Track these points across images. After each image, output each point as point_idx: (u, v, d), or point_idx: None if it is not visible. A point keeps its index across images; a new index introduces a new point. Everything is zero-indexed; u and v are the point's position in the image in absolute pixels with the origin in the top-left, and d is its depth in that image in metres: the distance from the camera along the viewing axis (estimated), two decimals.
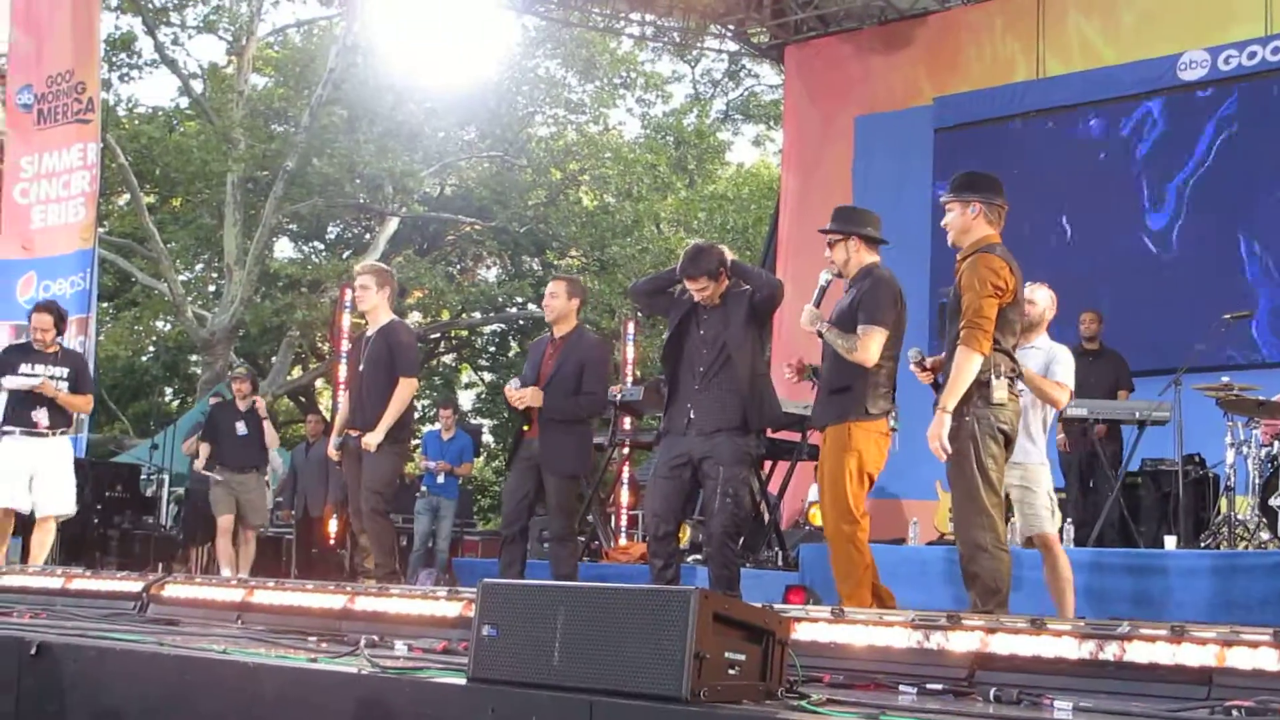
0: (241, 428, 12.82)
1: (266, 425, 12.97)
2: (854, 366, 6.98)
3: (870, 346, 6.92)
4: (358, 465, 8.88)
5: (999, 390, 6.45)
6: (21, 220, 13.88)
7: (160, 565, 13.27)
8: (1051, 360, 7.70)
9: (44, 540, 10.01)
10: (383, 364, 8.91)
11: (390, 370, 8.90)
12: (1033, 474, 7.71)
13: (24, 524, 10.23)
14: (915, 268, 13.96)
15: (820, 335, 7.14)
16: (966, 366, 6.36)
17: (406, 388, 8.98)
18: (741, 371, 7.38)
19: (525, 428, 8.62)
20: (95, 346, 14.58)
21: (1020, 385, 6.71)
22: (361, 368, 9.01)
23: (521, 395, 8.45)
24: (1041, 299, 7.82)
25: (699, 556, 10.83)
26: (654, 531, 7.64)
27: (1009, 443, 6.59)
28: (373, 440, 8.72)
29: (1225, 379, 9.81)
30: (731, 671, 3.97)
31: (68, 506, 10.14)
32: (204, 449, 13.06)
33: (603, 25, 20.72)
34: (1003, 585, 6.36)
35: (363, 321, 9.65)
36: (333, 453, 9.21)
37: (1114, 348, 11.89)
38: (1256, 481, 9.44)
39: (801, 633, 4.91)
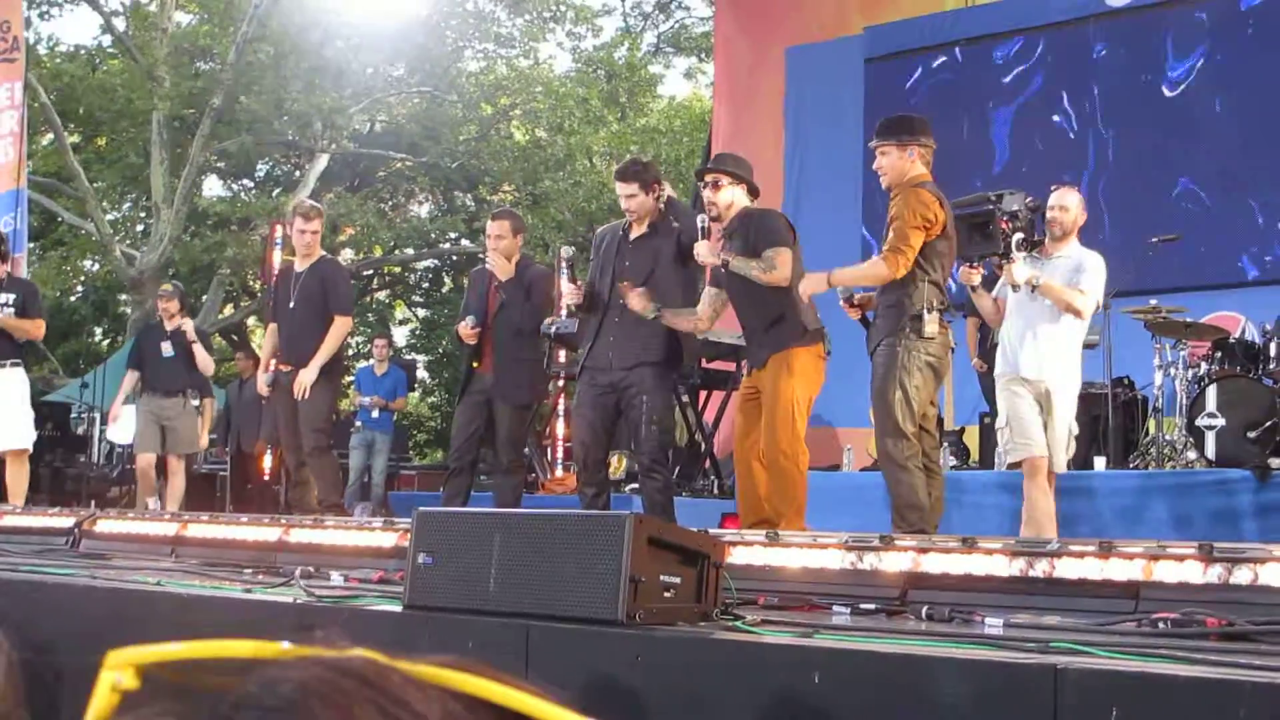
0: (167, 348, 11.64)
1: (197, 349, 11.63)
2: (776, 296, 7.02)
3: (784, 265, 6.97)
4: (289, 400, 8.85)
5: (930, 324, 6.58)
6: None
7: (93, 503, 13.14)
8: (1078, 267, 7.32)
9: (18, 477, 9.91)
10: (316, 300, 8.88)
11: (323, 307, 8.87)
12: (1048, 395, 7.23)
13: None
14: (847, 198, 14.02)
15: (725, 267, 7.12)
16: (873, 272, 6.75)
17: (342, 326, 8.95)
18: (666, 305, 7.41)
19: (475, 364, 8.59)
20: None
21: (950, 318, 6.84)
22: (292, 304, 8.94)
23: (473, 333, 8.44)
24: (1072, 204, 7.51)
25: (635, 486, 10.89)
26: (583, 460, 7.69)
27: (938, 375, 6.72)
28: (308, 378, 8.71)
29: (1153, 302, 9.93)
30: (667, 594, 4.00)
31: (21, 440, 9.97)
32: (129, 378, 12.06)
33: None
34: (921, 500, 6.49)
35: (291, 257, 9.58)
36: (264, 389, 9.16)
37: None
38: (1184, 402, 9.57)
39: (737, 556, 4.95)
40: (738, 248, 7.18)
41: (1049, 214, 7.42)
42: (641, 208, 7.54)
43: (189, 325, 11.64)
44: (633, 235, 7.59)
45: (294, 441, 8.96)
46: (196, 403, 11.88)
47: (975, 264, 7.22)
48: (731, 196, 7.34)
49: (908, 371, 6.58)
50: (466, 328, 8.51)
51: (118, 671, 0.66)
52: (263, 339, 11.22)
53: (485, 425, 8.59)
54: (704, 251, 7.16)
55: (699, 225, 7.30)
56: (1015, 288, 7.24)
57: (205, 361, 11.73)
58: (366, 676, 0.62)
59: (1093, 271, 7.28)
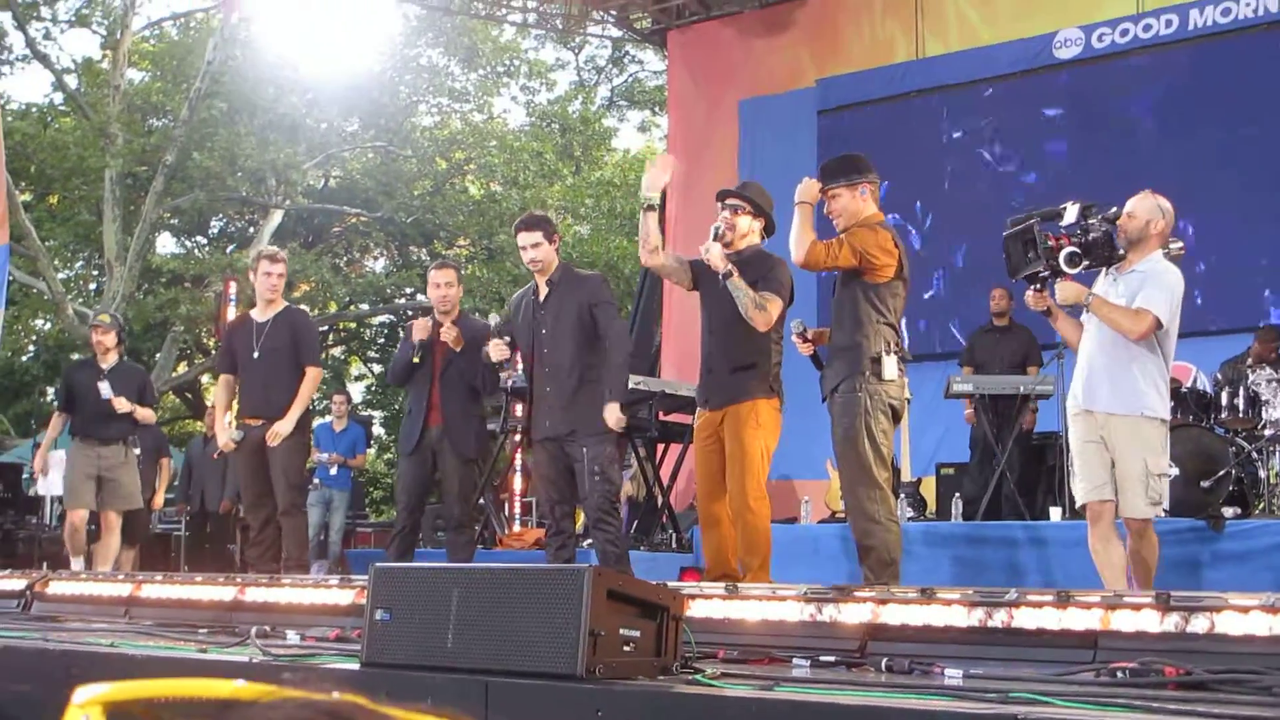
0: (105, 390, 10.18)
1: (122, 406, 10.21)
2: (755, 342, 7.06)
3: (771, 312, 6.99)
4: (255, 457, 8.63)
5: (889, 367, 6.60)
6: None
7: (45, 565, 12.96)
8: (1145, 282, 6.51)
9: None
10: (284, 351, 8.69)
11: (294, 357, 8.70)
12: (1111, 429, 6.59)
13: None
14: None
15: (726, 279, 7.04)
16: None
17: (314, 376, 8.81)
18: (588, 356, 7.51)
19: (416, 360, 8.42)
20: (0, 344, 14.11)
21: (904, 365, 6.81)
22: (257, 354, 8.71)
23: (451, 329, 8.34)
24: (1142, 210, 6.62)
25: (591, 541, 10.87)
26: (550, 516, 7.70)
27: (896, 418, 6.74)
28: (284, 429, 8.50)
29: None
30: (626, 648, 3.98)
31: None
32: (56, 421, 10.64)
33: (484, 13, 20.63)
34: (895, 556, 6.49)
35: (245, 309, 9.48)
36: (228, 444, 8.80)
37: (1023, 324, 12.11)
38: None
39: (696, 609, 4.94)
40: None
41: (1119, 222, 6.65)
42: (546, 257, 7.60)
43: (121, 403, 10.20)
44: (542, 295, 7.64)
45: (258, 499, 8.70)
46: (138, 450, 10.63)
47: (1039, 287, 6.67)
48: (749, 227, 7.37)
49: (873, 416, 6.58)
50: (420, 322, 8.43)
51: (85, 710, 0.66)
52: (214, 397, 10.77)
53: (432, 480, 8.58)
54: (715, 254, 7.07)
55: (713, 231, 7.23)
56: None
57: (144, 414, 10.44)
58: (348, 717, 0.62)
59: (1156, 287, 6.45)
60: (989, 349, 11.91)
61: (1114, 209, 6.62)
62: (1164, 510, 6.57)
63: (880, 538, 6.50)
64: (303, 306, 11.65)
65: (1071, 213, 6.65)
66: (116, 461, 10.30)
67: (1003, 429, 10.99)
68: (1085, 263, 6.54)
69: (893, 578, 6.41)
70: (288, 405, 8.59)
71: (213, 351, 27.07)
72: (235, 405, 9.42)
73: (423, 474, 8.50)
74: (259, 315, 8.90)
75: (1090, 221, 6.55)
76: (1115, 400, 6.53)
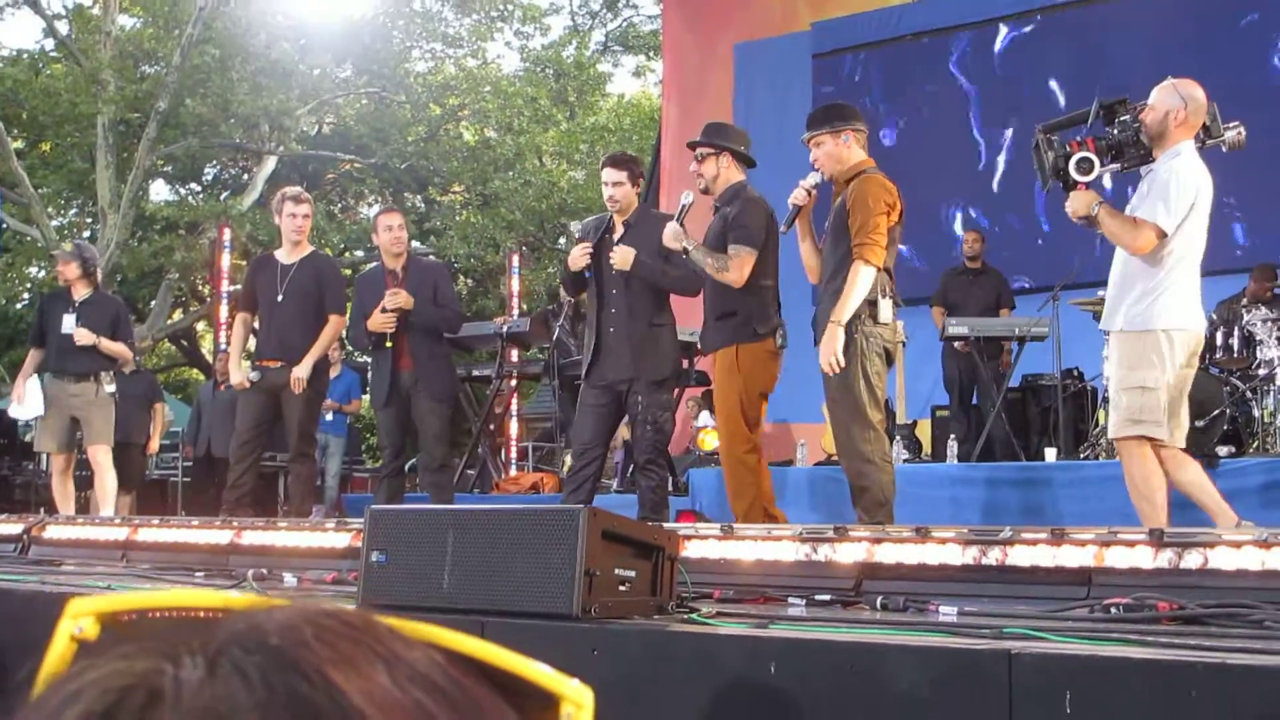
0: (69, 323, 9.61)
1: (101, 342, 9.66)
2: (732, 290, 7.04)
3: (741, 268, 6.99)
4: (266, 398, 8.53)
5: (884, 310, 6.58)
6: None
7: (43, 511, 12.95)
8: (1152, 186, 6.04)
9: None
10: (310, 296, 8.57)
11: (318, 302, 8.59)
12: (1111, 348, 6.35)
13: None
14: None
15: (686, 253, 7.12)
16: (860, 280, 6.47)
17: (337, 324, 8.73)
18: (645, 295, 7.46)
19: (389, 344, 8.45)
20: None
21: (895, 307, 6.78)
22: (280, 298, 8.56)
23: (395, 300, 8.33)
24: (1161, 100, 6.08)
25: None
26: (577, 455, 7.68)
27: (890, 360, 6.73)
28: (303, 373, 8.38)
29: (1101, 293, 9.98)
30: (622, 588, 3.99)
31: None
32: (32, 357, 10.13)
33: None
34: (889, 496, 6.50)
35: (243, 262, 9.43)
36: (243, 381, 8.57)
37: (995, 266, 12.14)
38: None
39: (692, 550, 4.95)
40: (716, 226, 7.23)
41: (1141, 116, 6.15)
42: (625, 197, 7.54)
43: (82, 334, 9.62)
44: (617, 235, 7.57)
45: (251, 438, 8.57)
46: (112, 388, 9.86)
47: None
48: (716, 168, 7.35)
49: (867, 358, 6.56)
50: (389, 302, 8.39)
51: (78, 621, 0.65)
52: (211, 344, 10.69)
53: (411, 425, 8.60)
54: (669, 235, 7.12)
55: (682, 202, 7.29)
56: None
57: (116, 350, 9.80)
58: (353, 620, 0.62)
59: (1158, 191, 5.96)
60: (961, 290, 11.96)
61: (1143, 103, 6.16)
62: (1158, 432, 5.97)
63: (874, 478, 6.51)
64: (325, 251, 11.52)
65: (1094, 112, 6.23)
66: (88, 399, 9.73)
67: (982, 371, 11.04)
68: (1111, 166, 6.16)
69: (887, 518, 6.42)
70: (307, 349, 8.48)
71: (206, 299, 27.01)
72: (251, 346, 9.35)
73: (401, 418, 8.52)
74: (285, 257, 8.72)
75: (1123, 118, 6.14)
76: (1116, 317, 6.17)
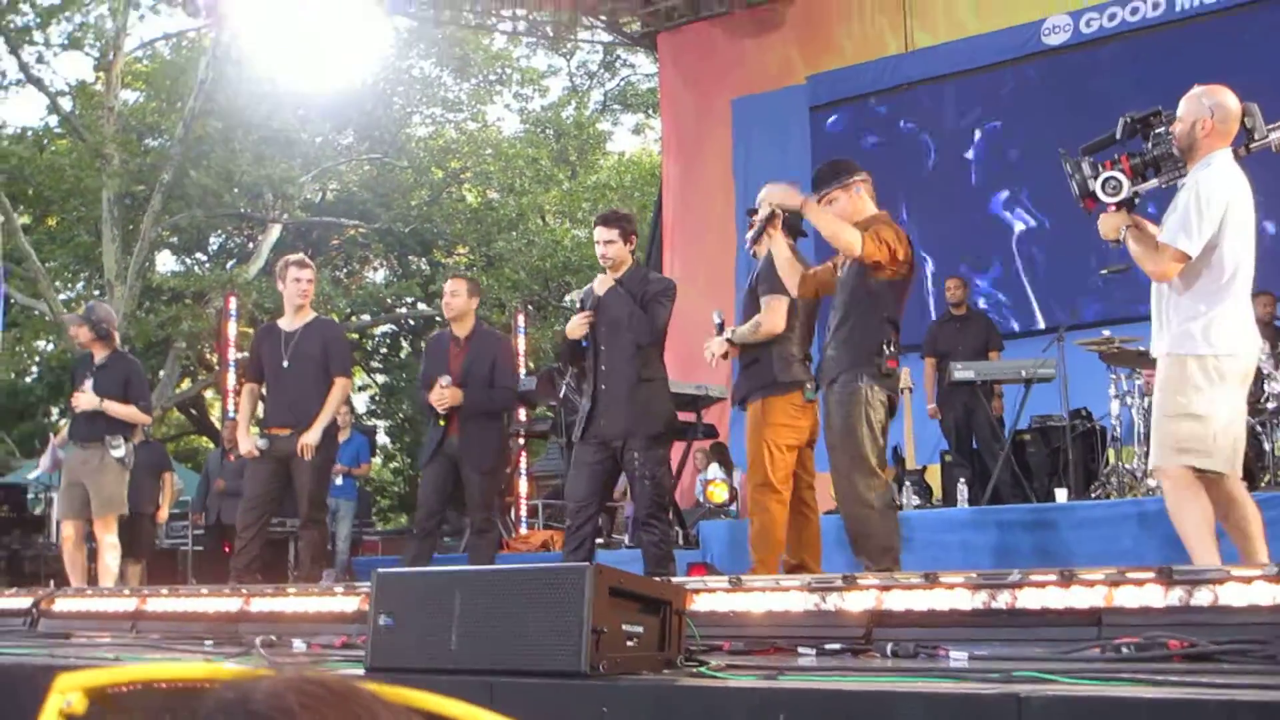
0: (87, 386, 9.51)
1: (110, 406, 9.44)
2: (762, 341, 7.20)
3: (775, 314, 7.12)
4: (275, 465, 8.47)
5: (888, 361, 6.58)
6: None
7: (51, 584, 12.89)
8: (1175, 204, 5.71)
9: None
10: (315, 361, 8.54)
11: (323, 367, 8.55)
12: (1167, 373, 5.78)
13: None
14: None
15: (730, 344, 7.47)
16: (844, 237, 6.45)
17: (343, 387, 8.70)
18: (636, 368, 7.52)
19: (441, 421, 8.50)
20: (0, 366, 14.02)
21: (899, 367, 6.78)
22: (286, 364, 8.55)
23: (443, 398, 8.38)
24: (1185, 111, 5.77)
25: (602, 541, 10.90)
26: (574, 512, 7.70)
27: (892, 411, 6.73)
28: (312, 440, 8.33)
29: (1106, 333, 10.00)
30: (630, 644, 3.98)
31: None
32: (65, 424, 9.95)
33: (474, 23, 20.63)
34: (895, 543, 6.49)
35: (250, 330, 9.43)
36: (253, 450, 8.52)
37: (981, 311, 12.21)
38: (1142, 431, 9.62)
39: (701, 603, 4.93)
40: (748, 287, 7.56)
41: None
42: (618, 255, 7.60)
43: (82, 399, 9.45)
44: (601, 288, 7.65)
45: (260, 504, 8.50)
46: (120, 453, 9.50)
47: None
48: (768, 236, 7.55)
49: (872, 407, 6.57)
50: (440, 392, 8.41)
51: (66, 696, 0.66)
52: (219, 412, 10.64)
53: (454, 488, 8.57)
54: (714, 346, 7.47)
55: (715, 321, 7.69)
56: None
57: (125, 413, 9.52)
58: (337, 688, 0.62)
59: (1180, 208, 5.65)
60: (950, 338, 11.99)
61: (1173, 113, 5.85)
62: (1206, 462, 5.57)
63: (877, 524, 6.51)
64: (331, 317, 11.50)
65: (1119, 130, 5.94)
66: (93, 465, 9.46)
67: (976, 416, 11.08)
68: (1149, 183, 5.83)
69: (893, 564, 6.42)
70: (315, 415, 8.44)
71: (214, 368, 27.07)
72: (260, 414, 9.33)
73: (442, 481, 8.50)
74: (287, 324, 8.71)
75: (1158, 131, 5.82)
76: (1161, 340, 5.81)
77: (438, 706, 0.62)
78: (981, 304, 13.41)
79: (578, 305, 7.94)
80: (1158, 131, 5.80)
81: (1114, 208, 5.82)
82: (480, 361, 8.49)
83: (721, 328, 7.65)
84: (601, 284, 7.62)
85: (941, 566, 7.49)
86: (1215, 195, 5.54)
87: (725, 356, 7.64)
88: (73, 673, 0.64)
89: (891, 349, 6.59)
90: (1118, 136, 5.92)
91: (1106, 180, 5.80)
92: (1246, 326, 5.71)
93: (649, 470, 7.39)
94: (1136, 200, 5.87)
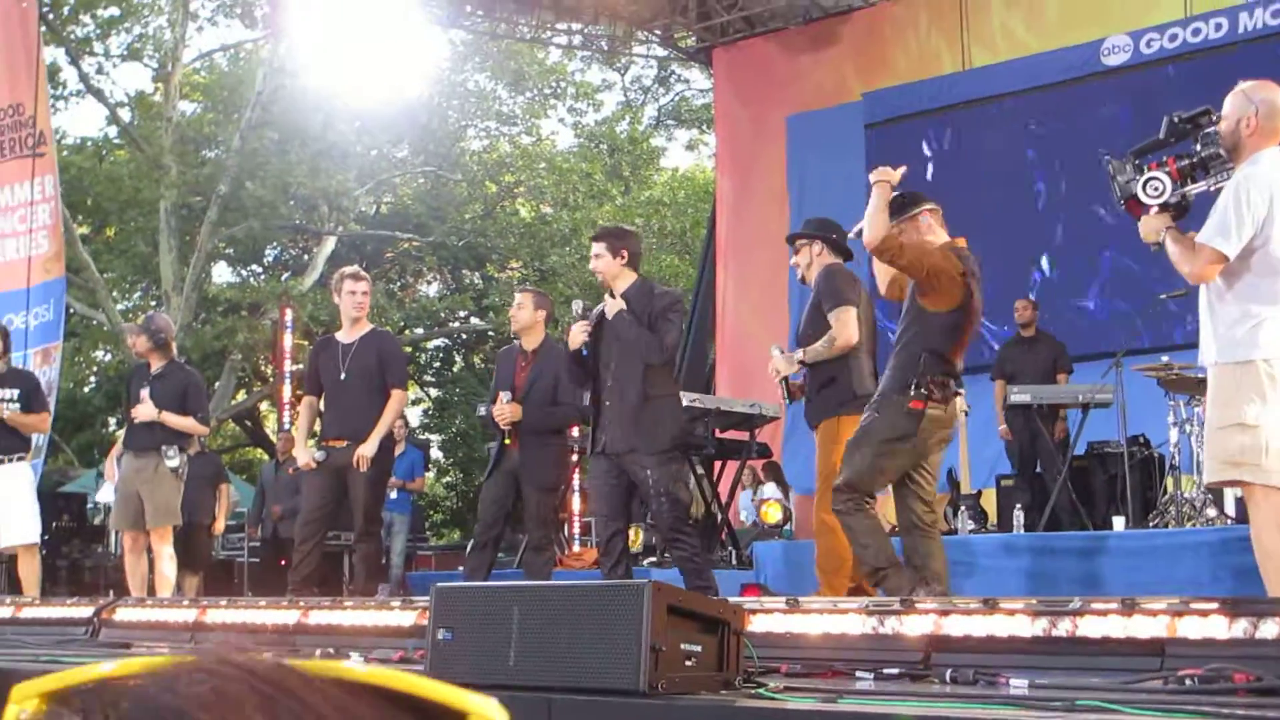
0: (144, 396, 9.43)
1: (167, 418, 9.39)
2: (835, 358, 7.17)
3: (845, 327, 7.12)
4: (332, 478, 8.48)
5: (917, 394, 6.49)
6: None
7: (111, 593, 12.96)
8: (1215, 204, 5.51)
9: (28, 571, 9.60)
10: (372, 373, 8.54)
11: (380, 379, 8.55)
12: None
13: None
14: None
15: (803, 364, 7.42)
16: (875, 217, 6.43)
17: (400, 400, 8.72)
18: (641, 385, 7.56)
19: (506, 441, 8.53)
20: (59, 377, 14.13)
21: (957, 396, 6.71)
22: (343, 376, 8.54)
23: (503, 413, 8.41)
24: (1230, 108, 5.59)
25: (653, 559, 10.89)
26: (603, 533, 7.76)
27: (915, 444, 6.60)
28: (368, 452, 8.32)
29: (1165, 359, 9.91)
30: (688, 663, 3.98)
31: (28, 535, 9.64)
32: (123, 433, 9.96)
33: (530, 36, 20.68)
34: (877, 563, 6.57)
35: (305, 342, 9.47)
36: (311, 461, 8.50)
37: (1049, 331, 12.09)
38: (1201, 459, 9.52)
39: (758, 624, 4.92)
40: (808, 307, 7.50)
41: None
42: (606, 269, 7.62)
43: (140, 410, 9.45)
44: (610, 311, 7.64)
45: (316, 517, 8.53)
46: (175, 463, 9.44)
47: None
48: (809, 257, 7.57)
49: (879, 438, 6.56)
50: (500, 408, 8.44)
51: (21, 705, 0.67)
52: (274, 424, 10.69)
53: (513, 502, 8.59)
54: (781, 365, 7.41)
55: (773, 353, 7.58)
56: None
57: (182, 424, 9.52)
58: (252, 667, 0.63)
59: (1220, 207, 5.44)
60: (1018, 360, 11.88)
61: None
62: (1261, 476, 5.29)
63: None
64: (386, 329, 11.51)
65: (1164, 129, 5.76)
66: (147, 475, 9.43)
67: (1040, 440, 10.99)
68: (1198, 185, 5.65)
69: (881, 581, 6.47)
70: (372, 427, 8.43)
71: (269, 379, 27.23)
72: (317, 426, 9.38)
73: (502, 495, 8.52)
74: (344, 337, 8.72)
75: (1207, 131, 5.63)
76: (1209, 348, 5.59)
77: (359, 676, 0.63)
78: None
79: (578, 315, 7.91)
80: (1207, 131, 5.63)
81: (1156, 210, 5.65)
82: (545, 376, 8.50)
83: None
84: (611, 307, 7.54)
85: (997, 592, 7.45)
86: (1256, 194, 5.33)
87: (790, 393, 7.61)
88: (29, 681, 0.65)
89: (922, 390, 6.48)
90: (1161, 137, 5.76)
91: (1148, 181, 5.65)
92: None
93: (663, 488, 7.39)
94: (1187, 203, 5.71)
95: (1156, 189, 5.62)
